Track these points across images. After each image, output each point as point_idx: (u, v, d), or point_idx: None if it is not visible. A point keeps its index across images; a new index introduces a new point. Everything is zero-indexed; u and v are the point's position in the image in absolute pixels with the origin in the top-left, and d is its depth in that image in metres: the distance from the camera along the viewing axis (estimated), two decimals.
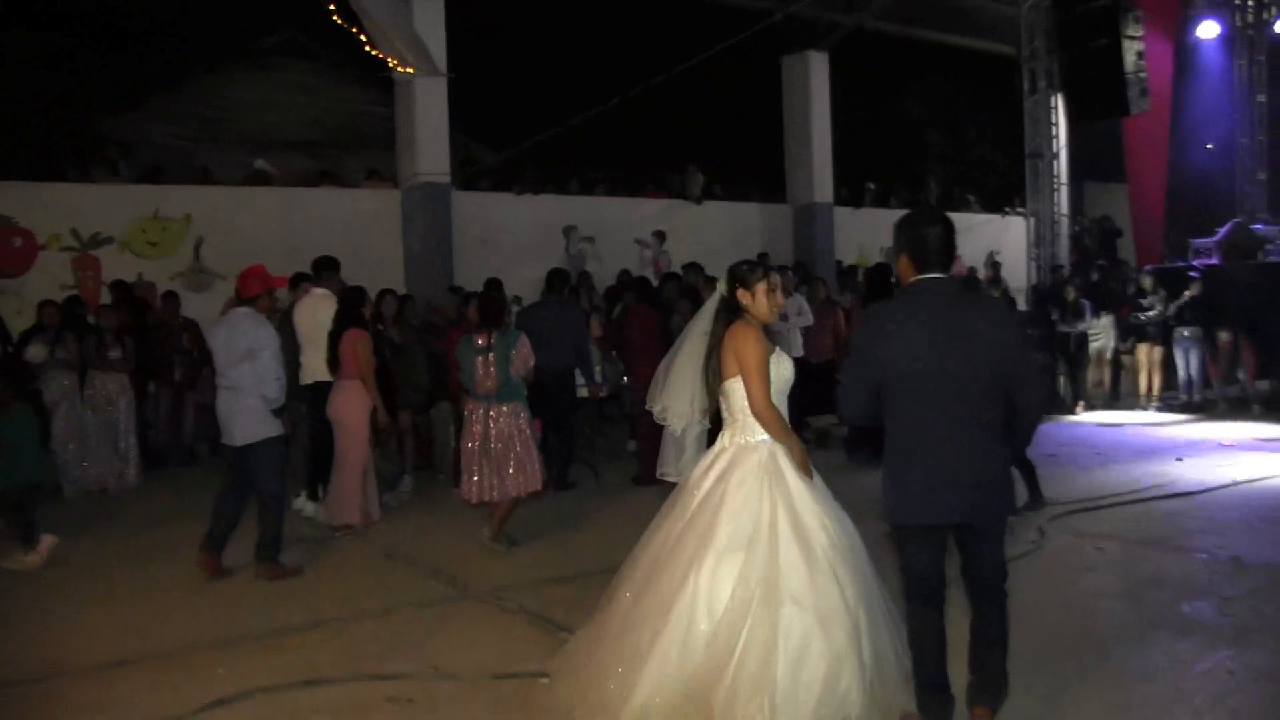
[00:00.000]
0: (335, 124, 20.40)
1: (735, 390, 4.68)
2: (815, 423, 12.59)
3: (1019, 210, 21.59)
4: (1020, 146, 21.23)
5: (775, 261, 16.84)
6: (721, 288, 4.85)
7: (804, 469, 4.59)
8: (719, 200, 18.04)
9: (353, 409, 8.42)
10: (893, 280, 10.30)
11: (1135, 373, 14.66)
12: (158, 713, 4.84)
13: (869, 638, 4.29)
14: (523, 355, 7.62)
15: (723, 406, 4.78)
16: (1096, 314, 14.48)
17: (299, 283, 9.38)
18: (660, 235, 16.81)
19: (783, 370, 4.74)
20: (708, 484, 4.63)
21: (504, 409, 7.57)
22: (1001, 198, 21.84)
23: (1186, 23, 17.15)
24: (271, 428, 7.17)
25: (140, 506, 9.98)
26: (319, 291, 8.92)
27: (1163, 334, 13.86)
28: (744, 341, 4.63)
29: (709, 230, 17.50)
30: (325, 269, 9.07)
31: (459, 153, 15.83)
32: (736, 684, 4.14)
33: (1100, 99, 15.82)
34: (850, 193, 19.51)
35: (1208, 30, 17.07)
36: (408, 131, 14.30)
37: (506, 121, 17.34)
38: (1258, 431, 12.08)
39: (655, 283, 13.00)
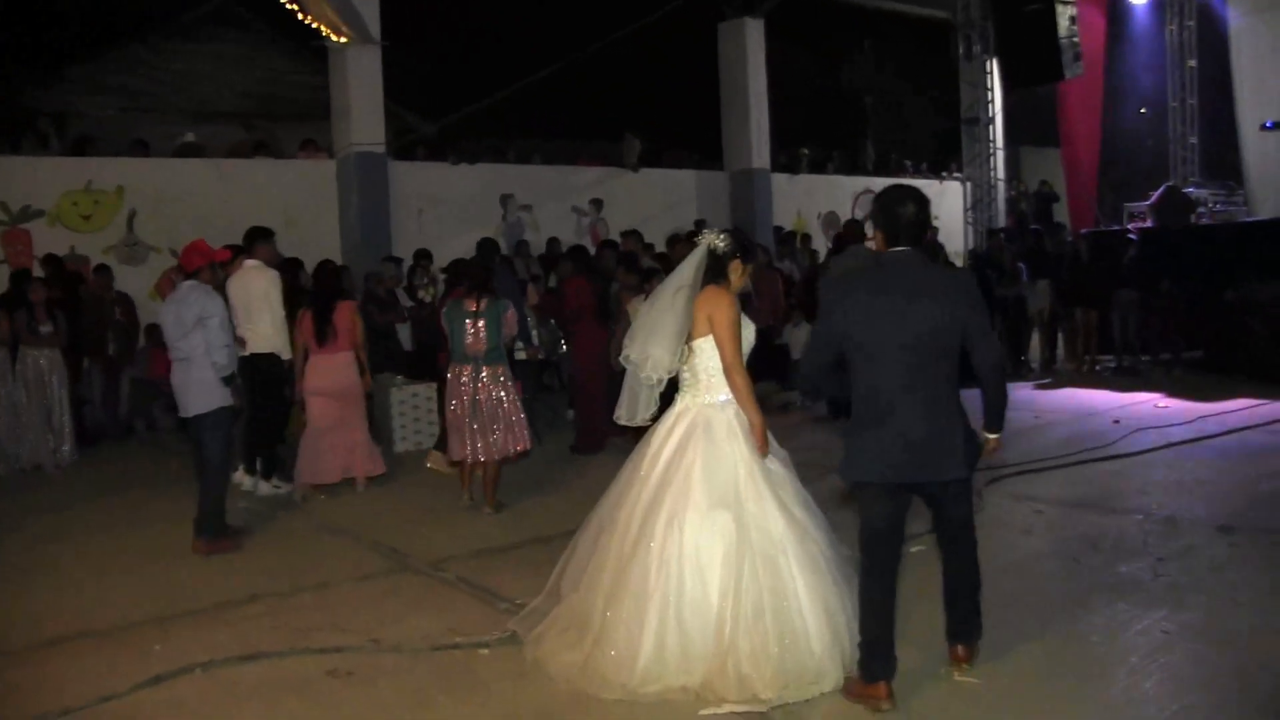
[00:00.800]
0: (268, 94, 20.06)
1: (703, 350, 4.79)
2: (757, 388, 12.69)
3: (955, 175, 21.84)
4: (956, 111, 21.48)
5: (712, 227, 16.92)
6: (715, 242, 4.90)
7: (761, 436, 4.68)
8: (656, 168, 18.05)
9: (353, 380, 8.83)
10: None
11: (1072, 336, 14.90)
12: (93, 691, 4.81)
13: (847, 593, 4.55)
14: (510, 321, 8.05)
15: (683, 368, 4.87)
16: (1032, 278, 14.69)
17: (237, 256, 9.27)
18: (597, 203, 16.81)
19: (748, 335, 4.87)
20: (673, 443, 4.75)
21: (496, 369, 7.92)
22: (938, 162, 22.03)
23: None
24: (222, 398, 7.28)
25: (76, 483, 9.87)
26: (251, 263, 8.82)
27: (1100, 298, 14.05)
28: (719, 304, 4.75)
29: (646, 198, 17.53)
30: (257, 239, 8.94)
31: (394, 122, 15.68)
32: (736, 639, 4.35)
33: (1035, 64, 15.98)
34: (787, 159, 19.59)
35: None
36: (342, 101, 14.16)
37: (441, 90, 17.17)
38: (1191, 393, 12.31)
39: (592, 251, 12.99)
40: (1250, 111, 17.59)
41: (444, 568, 6.63)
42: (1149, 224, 14.84)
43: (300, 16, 13.47)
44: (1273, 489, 7.90)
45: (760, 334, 13.20)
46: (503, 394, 7.92)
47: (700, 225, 16.88)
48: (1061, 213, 19.89)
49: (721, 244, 4.89)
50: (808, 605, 4.46)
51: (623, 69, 17.12)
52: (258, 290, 8.65)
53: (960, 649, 4.64)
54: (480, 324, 7.86)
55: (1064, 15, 14.73)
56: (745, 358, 4.82)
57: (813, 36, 19.76)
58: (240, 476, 9.04)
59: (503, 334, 7.95)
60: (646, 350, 4.87)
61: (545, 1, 16.85)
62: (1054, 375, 14.45)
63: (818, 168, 20.40)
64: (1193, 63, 18.81)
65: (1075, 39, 15.09)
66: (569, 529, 6.96)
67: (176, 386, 7.32)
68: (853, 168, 21.05)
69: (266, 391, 8.84)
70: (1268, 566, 6.10)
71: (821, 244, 17.75)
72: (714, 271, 4.87)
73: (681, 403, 4.87)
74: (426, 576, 6.53)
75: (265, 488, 8.88)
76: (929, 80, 21.96)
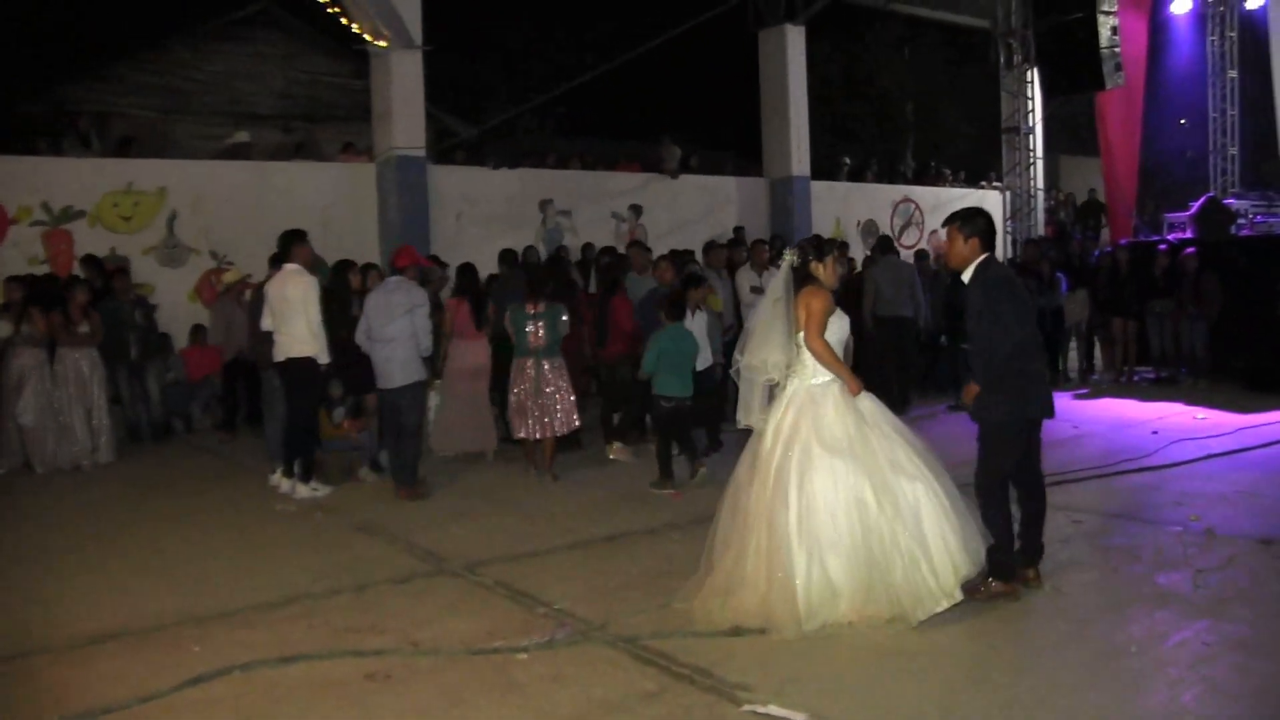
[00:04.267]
0: (308, 96, 20.22)
1: (803, 342, 5.67)
2: None
3: (995, 184, 21.67)
4: (996, 120, 21.28)
5: (751, 235, 16.91)
6: (791, 259, 5.85)
7: (852, 383, 5.63)
8: (695, 174, 18.01)
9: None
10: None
11: (1109, 346, 14.72)
12: (133, 692, 4.82)
13: (956, 518, 5.50)
14: (563, 321, 9.32)
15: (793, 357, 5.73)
16: (1072, 288, 14.52)
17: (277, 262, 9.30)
18: (636, 209, 16.78)
19: (842, 325, 5.83)
20: (789, 419, 5.59)
21: (554, 361, 9.25)
22: (977, 171, 21.87)
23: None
24: (419, 373, 8.74)
25: (114, 483, 9.93)
26: (291, 267, 8.84)
27: (1137, 308, 13.89)
28: (810, 299, 5.67)
29: (685, 204, 17.51)
30: (293, 242, 8.95)
31: (433, 126, 15.75)
32: (871, 572, 5.23)
33: (1075, 73, 15.82)
34: (827, 166, 19.51)
35: (1180, 6, 17.08)
36: (383, 104, 14.21)
37: (481, 95, 17.21)
38: (1231, 404, 12.14)
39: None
40: None
41: (480, 571, 6.62)
42: (1188, 234, 14.64)
43: (342, 20, 13.53)
44: None
45: None
46: (560, 382, 9.23)
47: (739, 232, 16.90)
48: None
49: (795, 259, 5.85)
50: (930, 531, 5.35)
51: (663, 74, 17.11)
52: (295, 295, 8.67)
53: (1031, 571, 5.79)
54: (540, 324, 9.12)
55: (1105, 25, 14.59)
56: (842, 343, 5.78)
57: (853, 44, 19.64)
58: (278, 479, 9.06)
59: (560, 329, 9.23)
60: (761, 356, 5.74)
61: (585, 8, 16.87)
62: (1092, 386, 14.29)
63: (856, 175, 20.30)
64: (1234, 73, 18.56)
65: (1116, 49, 14.93)
66: (605, 534, 6.95)
67: (379, 363, 8.64)
68: (892, 175, 20.93)
69: (304, 395, 8.85)
70: None
71: (859, 252, 17.63)
72: (802, 279, 5.80)
73: (791, 387, 5.70)
74: (463, 579, 6.51)
75: (304, 490, 8.88)
76: (968, 88, 21.77)
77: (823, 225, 18.74)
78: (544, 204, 15.79)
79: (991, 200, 21.51)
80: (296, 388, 8.81)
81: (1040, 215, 21.02)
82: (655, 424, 9.48)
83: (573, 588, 6.18)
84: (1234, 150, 18.60)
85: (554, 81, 15.51)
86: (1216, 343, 13.44)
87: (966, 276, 5.78)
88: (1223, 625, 5.23)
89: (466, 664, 5.07)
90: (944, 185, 21.23)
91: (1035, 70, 19.64)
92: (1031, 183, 20.86)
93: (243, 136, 15.33)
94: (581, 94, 15.64)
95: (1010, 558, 5.62)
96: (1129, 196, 17.31)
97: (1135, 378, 14.34)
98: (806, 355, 5.66)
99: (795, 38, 18.12)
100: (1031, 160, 20.76)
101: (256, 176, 14.12)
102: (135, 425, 11.81)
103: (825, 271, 5.80)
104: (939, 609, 5.24)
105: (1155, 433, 10.65)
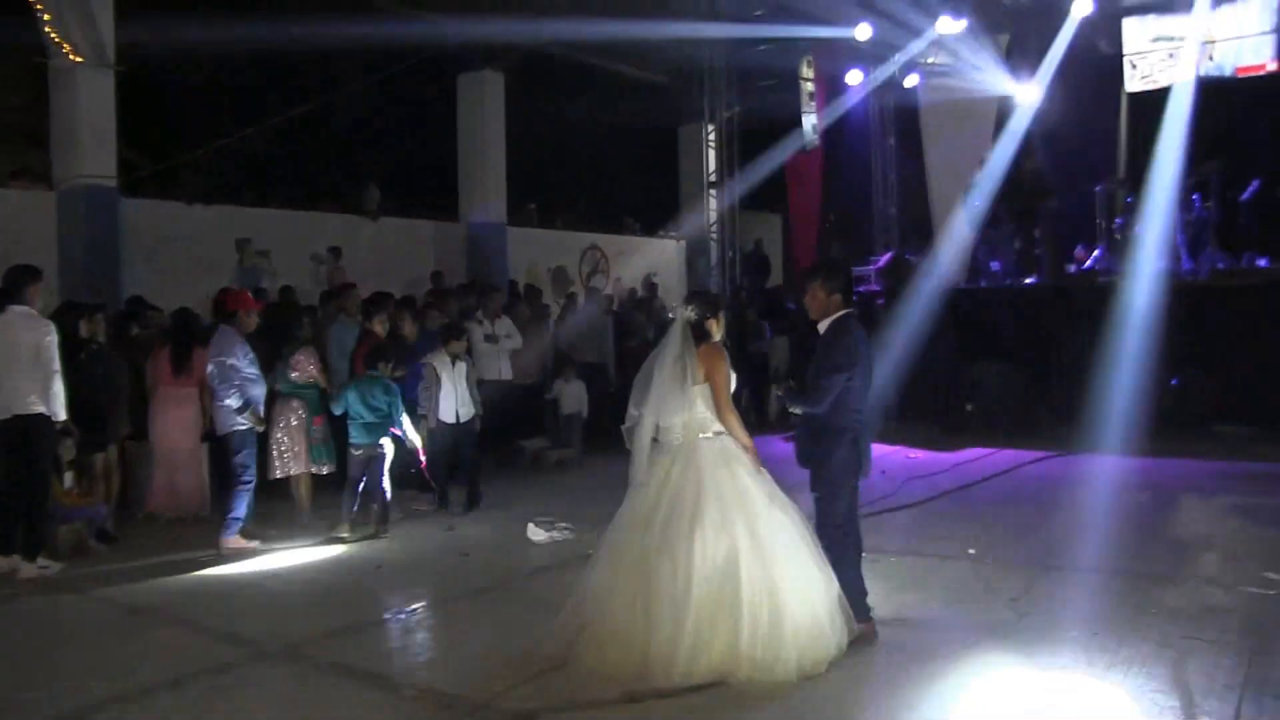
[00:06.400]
0: None
1: (700, 395, 5.65)
2: (529, 445, 12.42)
3: (672, 234, 22.48)
4: (675, 171, 22.14)
5: (450, 280, 16.62)
6: (689, 314, 5.78)
7: (754, 456, 5.67)
8: (395, 217, 17.45)
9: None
10: None
11: None
12: None
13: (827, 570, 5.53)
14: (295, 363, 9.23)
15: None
16: (772, 335, 15.26)
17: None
18: (336, 251, 15.97)
19: (731, 383, 5.81)
20: (676, 471, 5.56)
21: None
22: (656, 220, 22.58)
23: (839, 69, 18.48)
24: None
25: None
26: (20, 309, 7.66)
27: None
28: (714, 360, 5.71)
29: (384, 247, 16.89)
30: (25, 281, 7.75)
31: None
32: (755, 627, 5.18)
33: (777, 134, 16.67)
34: (519, 212, 19.48)
35: (854, 77, 18.54)
36: (66, 127, 12.70)
37: (171, 128, 15.80)
38: (932, 444, 13.16)
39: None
40: (938, 186, 19.20)
41: (306, 652, 5.92)
42: (875, 287, 15.83)
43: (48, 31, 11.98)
44: (1064, 524, 8.86)
45: (528, 389, 13.03)
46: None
47: (436, 278, 16.52)
48: (778, 276, 20.85)
49: (693, 314, 5.79)
50: (810, 585, 5.40)
51: (365, 115, 16.44)
52: (27, 341, 7.55)
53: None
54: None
55: (804, 90, 15.57)
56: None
57: (546, 92, 19.80)
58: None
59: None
60: (668, 419, 5.67)
61: (286, 44, 15.96)
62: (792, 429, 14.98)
63: (547, 222, 20.43)
64: (892, 140, 20.41)
65: (812, 113, 15.93)
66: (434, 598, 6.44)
67: None
68: (578, 223, 21.24)
69: (38, 459, 7.68)
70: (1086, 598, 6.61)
71: (550, 298, 17.71)
72: (699, 335, 5.74)
73: (679, 438, 5.64)
74: (293, 664, 5.77)
75: (29, 569, 7.66)
76: (652, 140, 22.55)
77: (517, 271, 18.66)
78: (241, 243, 14.66)
79: (670, 249, 22.36)
80: (29, 451, 7.62)
81: (716, 266, 22.05)
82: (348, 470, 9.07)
83: (425, 660, 5.71)
84: (893, 210, 20.39)
85: (252, 118, 14.49)
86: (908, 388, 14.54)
87: (823, 327, 6.00)
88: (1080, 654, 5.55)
89: None
90: (627, 234, 21.75)
91: (712, 126, 20.76)
92: (709, 233, 21.87)
93: None
94: (281, 133, 14.66)
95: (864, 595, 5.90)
96: (811, 251, 18.54)
97: None
98: (699, 408, 5.66)
99: (494, 83, 17.98)
100: (710, 211, 21.78)
101: None
102: None
103: (718, 327, 5.86)
104: (824, 665, 5.31)
105: (884, 472, 11.27)
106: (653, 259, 21.84)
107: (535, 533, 8.66)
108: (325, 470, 9.32)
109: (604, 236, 21.23)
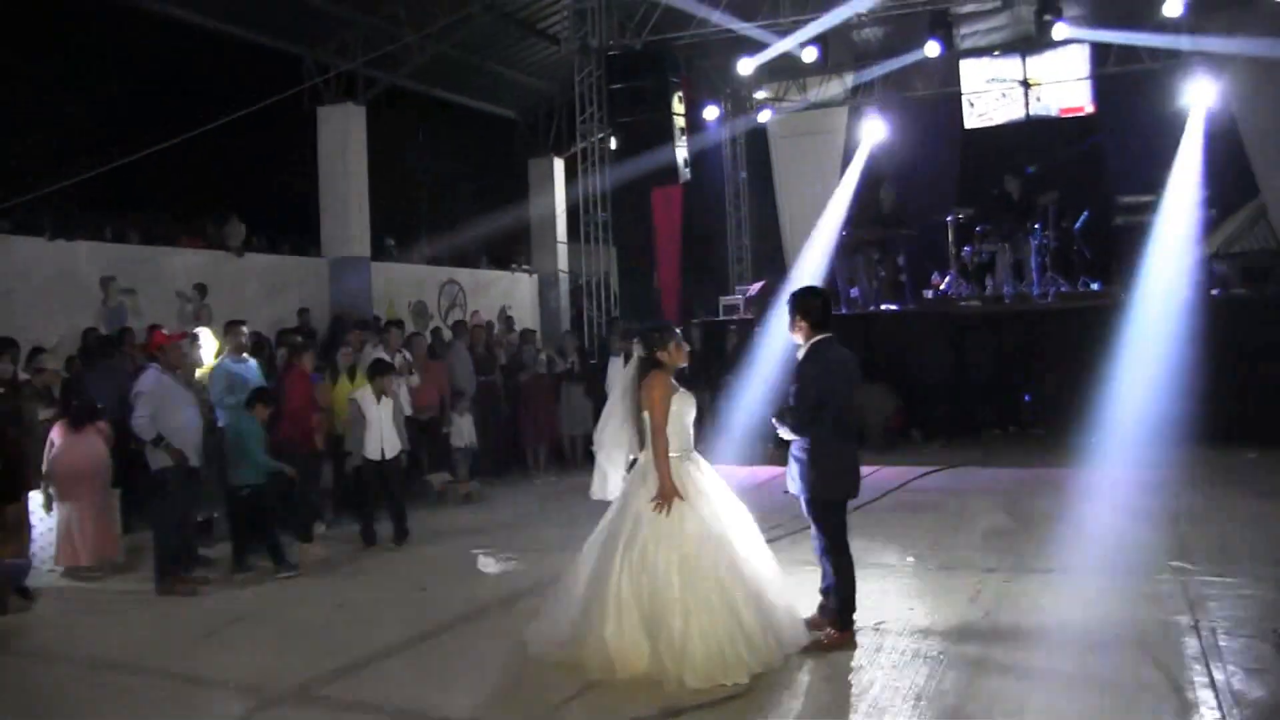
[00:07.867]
0: None
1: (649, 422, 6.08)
2: (434, 480, 12.31)
3: (525, 267, 22.65)
4: (525, 206, 22.35)
5: (315, 319, 16.36)
6: (636, 351, 6.21)
7: (665, 487, 5.83)
8: (259, 253, 17.02)
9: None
10: None
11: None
12: None
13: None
14: None
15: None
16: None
17: None
18: (201, 288, 15.45)
19: (685, 407, 6.11)
20: (631, 488, 6.06)
21: None
22: (509, 254, 22.72)
23: (697, 105, 19.01)
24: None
25: None
26: None
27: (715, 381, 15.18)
28: (653, 385, 6.02)
29: (249, 283, 16.46)
30: None
31: None
32: (688, 634, 5.52)
33: (653, 167, 16.94)
34: (380, 246, 19.29)
35: (710, 112, 19.11)
36: None
37: (22, 162, 14.93)
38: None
39: None
40: (789, 219, 20.02)
41: (320, 693, 5.84)
42: (748, 315, 16.33)
43: None
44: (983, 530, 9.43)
45: (428, 423, 12.95)
46: None
47: (303, 315, 16.21)
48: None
49: (640, 350, 6.19)
50: (758, 595, 5.79)
51: (226, 149, 15.97)
52: None
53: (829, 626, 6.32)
54: None
55: (676, 125, 16.00)
56: (689, 426, 6.12)
57: (405, 126, 19.72)
58: None
59: None
60: (613, 450, 6.47)
61: (141, 72, 15.39)
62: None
63: (404, 256, 20.31)
64: (744, 174, 21.17)
65: (682, 147, 16.35)
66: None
67: None
68: (433, 258, 21.18)
69: None
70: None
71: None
72: (650, 366, 6.10)
73: (642, 458, 6.10)
74: (318, 705, 5.69)
75: None
76: (503, 174, 22.72)
77: (379, 306, 18.43)
78: (105, 281, 14.04)
79: (523, 282, 22.51)
80: None
81: (565, 297, 22.33)
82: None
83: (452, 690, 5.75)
84: (746, 241, 21.10)
85: (109, 153, 13.90)
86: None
87: (800, 353, 6.35)
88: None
89: None
90: (481, 267, 21.81)
91: (558, 161, 21.17)
92: (558, 266, 22.18)
93: None
94: (138, 167, 14.05)
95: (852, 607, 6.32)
96: (676, 281, 19.08)
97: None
98: (649, 435, 6.06)
99: (356, 117, 17.77)
100: (556, 244, 22.13)
101: None
102: None
103: (670, 354, 6.13)
104: (772, 665, 5.73)
105: (786, 492, 11.65)
106: (506, 291, 21.99)
107: (486, 564, 8.67)
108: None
109: (462, 270, 21.22)
